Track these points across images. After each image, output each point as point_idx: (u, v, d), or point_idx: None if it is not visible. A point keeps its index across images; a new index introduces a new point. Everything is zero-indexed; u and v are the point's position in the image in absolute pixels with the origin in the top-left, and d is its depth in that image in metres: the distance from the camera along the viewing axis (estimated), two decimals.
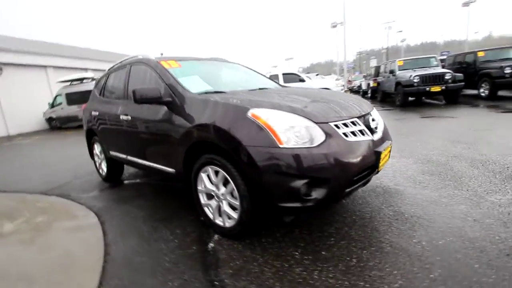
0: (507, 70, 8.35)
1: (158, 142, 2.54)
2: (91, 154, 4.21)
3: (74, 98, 13.13)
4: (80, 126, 13.18)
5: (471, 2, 22.46)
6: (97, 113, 3.59)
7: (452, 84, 8.70)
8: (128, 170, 4.37)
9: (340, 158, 1.68)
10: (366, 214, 2.31)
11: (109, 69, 3.85)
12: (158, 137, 2.52)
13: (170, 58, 2.91)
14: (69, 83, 13.58)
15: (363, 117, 2.04)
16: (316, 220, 2.28)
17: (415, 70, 9.82)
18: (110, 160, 3.68)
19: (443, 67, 10.74)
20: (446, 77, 8.77)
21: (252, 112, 1.79)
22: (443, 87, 8.69)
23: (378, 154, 1.91)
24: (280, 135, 1.67)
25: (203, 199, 2.26)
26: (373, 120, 2.11)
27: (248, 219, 1.90)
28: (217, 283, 1.65)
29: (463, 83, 8.79)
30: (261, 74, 3.53)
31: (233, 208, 2.03)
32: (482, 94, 9.14)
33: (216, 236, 2.17)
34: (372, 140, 1.95)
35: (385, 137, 2.15)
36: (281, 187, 1.68)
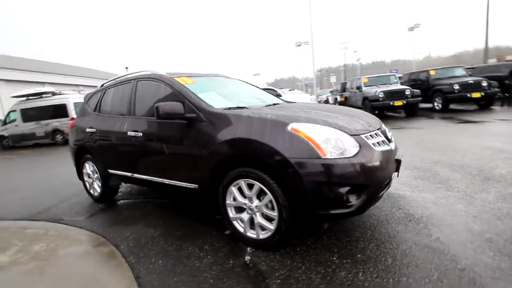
0: (456, 86, 9.64)
1: (178, 159, 2.51)
2: (80, 174, 3.92)
3: (31, 114, 12.04)
4: (37, 145, 12.04)
5: (416, 27, 25.74)
6: (93, 130, 3.40)
7: (411, 99, 9.75)
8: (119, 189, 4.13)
9: (375, 166, 1.86)
10: (381, 218, 2.51)
11: (103, 85, 3.70)
12: (178, 154, 2.49)
13: (181, 74, 2.93)
14: (25, 98, 12.40)
15: (380, 129, 2.27)
16: (338, 226, 2.42)
17: (379, 86, 10.83)
18: (106, 179, 3.48)
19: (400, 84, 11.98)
20: (406, 93, 9.81)
21: (292, 126, 1.91)
22: (404, 101, 9.69)
23: (398, 162, 2.14)
24: (322, 147, 1.80)
25: (231, 213, 2.27)
26: (388, 131, 2.35)
27: (287, 228, 1.97)
28: None
29: (420, 98, 9.90)
30: (263, 90, 3.68)
31: (268, 219, 2.09)
32: (436, 107, 10.36)
33: (248, 249, 2.18)
34: (391, 149, 2.18)
35: (397, 147, 2.41)
36: (324, 195, 1.80)
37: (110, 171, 3.33)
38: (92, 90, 3.95)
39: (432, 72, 11.13)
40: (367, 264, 1.87)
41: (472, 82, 9.56)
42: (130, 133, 2.89)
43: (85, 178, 3.82)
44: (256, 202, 2.11)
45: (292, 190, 1.87)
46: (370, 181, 1.84)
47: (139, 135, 2.80)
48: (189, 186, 2.49)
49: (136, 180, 3.05)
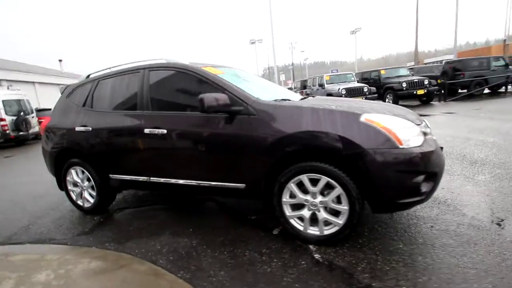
0: (404, 84, 10.88)
1: (220, 157, 2.26)
2: (61, 183, 3.26)
3: None
4: None
5: (357, 31, 28.33)
6: (87, 129, 2.85)
7: (369, 95, 10.69)
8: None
9: (439, 154, 1.96)
10: None
11: (89, 76, 3.15)
12: (220, 151, 2.25)
13: (205, 64, 2.65)
14: None
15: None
16: (380, 215, 2.49)
17: (340, 84, 11.59)
18: (105, 187, 2.97)
19: None
20: (365, 90, 10.72)
21: (365, 117, 1.88)
22: (363, 98, 10.57)
23: (441, 149, 2.29)
24: (400, 137, 1.82)
25: (287, 211, 2.15)
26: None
27: (358, 221, 1.95)
28: None
29: (376, 95, 10.92)
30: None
31: (333, 214, 2.03)
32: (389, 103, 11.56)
33: (311, 247, 2.09)
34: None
35: None
36: (403, 184, 1.82)
37: (113, 176, 2.85)
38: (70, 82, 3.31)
39: (382, 72, 12.37)
40: (435, 246, 1.96)
41: (416, 80, 10.92)
42: (148, 131, 2.50)
43: (70, 187, 3.20)
44: (320, 197, 2.03)
45: (370, 181, 1.84)
46: (439, 168, 1.93)
47: (162, 133, 2.44)
48: (233, 186, 2.28)
49: (153, 185, 2.66)
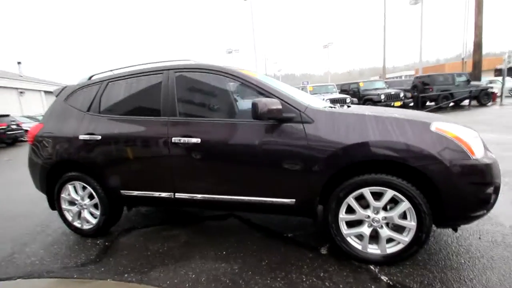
0: (382, 96, 11.44)
1: (269, 169, 2.02)
2: (53, 201, 2.75)
3: None
4: None
5: (330, 45, 29.74)
6: (96, 137, 2.43)
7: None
8: None
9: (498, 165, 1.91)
10: None
11: (92, 77, 2.75)
12: (270, 162, 2.01)
13: (237, 68, 2.41)
14: None
15: None
16: None
17: (323, 95, 11.85)
18: (113, 204, 2.55)
19: None
20: (347, 100, 11.06)
21: (436, 126, 1.78)
22: None
23: None
24: (472, 147, 1.74)
25: (344, 228, 1.97)
26: None
27: (427, 237, 1.82)
28: None
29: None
30: None
31: (393, 230, 1.89)
32: None
33: (372, 267, 1.91)
34: None
35: None
36: (477, 196, 1.73)
37: (126, 192, 2.45)
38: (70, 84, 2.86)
39: (361, 84, 12.95)
40: (494, 259, 1.89)
41: (393, 93, 11.55)
42: (176, 140, 2.18)
43: (65, 206, 2.71)
44: (382, 212, 1.88)
45: (443, 194, 1.72)
46: (499, 180, 1.87)
47: (194, 142, 2.14)
48: (281, 202, 2.04)
49: (177, 202, 2.32)
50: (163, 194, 2.34)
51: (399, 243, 1.88)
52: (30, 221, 3.18)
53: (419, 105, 12.19)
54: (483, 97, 12.64)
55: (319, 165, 1.88)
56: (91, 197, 2.63)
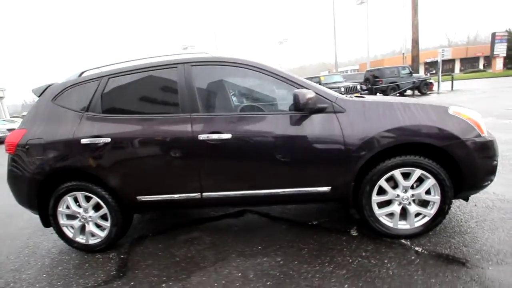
0: (342, 89, 12.24)
1: (305, 159, 2.05)
2: (47, 218, 2.39)
3: None
4: None
5: (284, 41, 30.70)
6: (105, 140, 2.17)
7: None
8: None
9: None
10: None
11: (100, 73, 2.40)
12: (306, 153, 2.04)
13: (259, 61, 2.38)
14: None
15: None
16: None
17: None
18: (124, 214, 2.33)
19: None
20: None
21: (453, 109, 2.00)
22: None
23: None
24: (482, 126, 2.00)
25: (376, 209, 2.11)
26: None
27: (449, 208, 2.05)
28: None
29: None
30: None
31: (420, 205, 2.09)
32: None
33: (403, 241, 2.09)
34: None
35: None
36: (488, 168, 2.00)
37: (143, 198, 2.25)
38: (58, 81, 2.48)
39: (322, 78, 13.67)
40: (495, 221, 2.23)
41: (352, 85, 12.46)
42: (204, 137, 2.08)
43: (64, 221, 2.39)
44: (410, 190, 2.07)
45: (462, 168, 1.96)
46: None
47: (225, 138, 2.06)
48: (316, 191, 2.10)
49: (204, 202, 2.22)
50: (189, 195, 2.21)
51: (425, 216, 2.09)
52: (10, 244, 2.71)
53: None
54: (423, 87, 14.40)
55: (354, 152, 1.98)
56: (96, 207, 2.35)
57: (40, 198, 2.35)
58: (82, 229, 2.40)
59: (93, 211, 2.36)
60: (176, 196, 2.23)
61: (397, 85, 14.18)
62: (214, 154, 2.11)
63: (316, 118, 2.03)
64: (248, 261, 2.06)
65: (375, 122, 1.98)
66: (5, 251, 2.60)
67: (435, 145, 1.94)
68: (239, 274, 1.93)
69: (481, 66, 44.01)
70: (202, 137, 2.08)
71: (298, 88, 2.07)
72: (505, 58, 28.40)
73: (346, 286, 1.71)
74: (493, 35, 27.63)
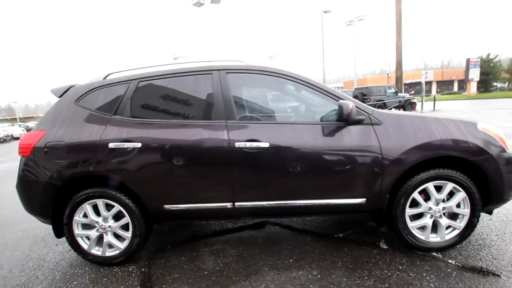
0: None
1: (342, 171, 2.05)
2: (61, 228, 2.21)
3: None
4: None
5: (274, 57, 31.42)
6: (135, 145, 2.06)
7: None
8: None
9: None
10: None
11: (129, 76, 2.30)
12: (343, 164, 2.05)
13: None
14: None
15: None
16: None
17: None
18: (147, 223, 2.21)
19: None
20: None
21: (481, 126, 2.10)
22: None
23: None
24: (506, 142, 2.11)
25: (409, 221, 2.13)
26: None
27: (478, 219, 2.11)
28: None
29: None
30: None
31: (450, 218, 2.14)
32: None
33: (435, 254, 2.11)
34: None
35: None
36: (511, 182, 2.10)
37: (170, 207, 2.14)
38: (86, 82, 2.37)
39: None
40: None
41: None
42: (241, 144, 2.04)
43: (79, 231, 2.22)
44: (442, 204, 2.11)
45: (489, 182, 2.03)
46: None
47: (263, 146, 2.03)
48: (352, 202, 2.09)
49: (234, 212, 2.15)
50: (220, 205, 2.13)
51: (455, 229, 2.13)
52: (10, 256, 2.48)
53: None
54: (408, 106, 15.12)
55: (391, 164, 2.01)
56: (116, 217, 2.22)
57: (55, 205, 2.19)
58: (99, 240, 2.24)
59: (112, 221, 2.22)
60: (206, 205, 2.15)
61: (384, 103, 14.79)
62: (250, 163, 2.07)
63: (354, 129, 2.06)
64: (283, 275, 1.99)
65: (411, 135, 2.03)
66: (6, 264, 2.37)
67: (467, 159, 2.01)
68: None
69: (455, 89, 47.14)
70: (239, 144, 2.04)
71: (334, 99, 2.10)
72: (478, 82, 30.66)
73: None
74: (468, 60, 29.92)
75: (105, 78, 2.38)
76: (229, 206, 2.13)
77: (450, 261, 2.03)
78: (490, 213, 2.30)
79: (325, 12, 22.80)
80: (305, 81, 2.18)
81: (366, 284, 1.83)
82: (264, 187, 2.12)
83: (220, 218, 2.44)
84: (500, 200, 2.13)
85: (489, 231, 2.44)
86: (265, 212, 2.18)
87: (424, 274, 1.90)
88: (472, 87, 30.41)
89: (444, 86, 48.59)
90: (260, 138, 2.05)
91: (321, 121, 2.15)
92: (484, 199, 2.11)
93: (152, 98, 2.25)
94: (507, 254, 2.06)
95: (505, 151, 2.07)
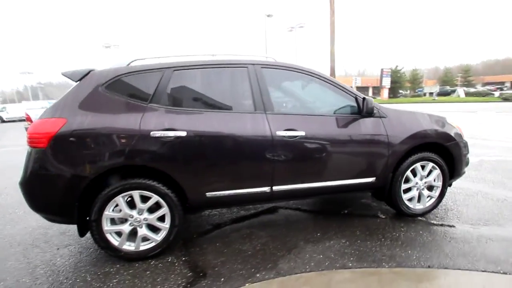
0: None
1: (363, 155, 2.48)
2: (85, 225, 2.02)
3: None
4: None
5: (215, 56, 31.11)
6: (181, 134, 2.05)
7: None
8: None
9: None
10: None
11: (163, 64, 2.24)
12: (363, 150, 2.48)
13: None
14: None
15: None
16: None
17: None
18: (183, 212, 2.23)
19: None
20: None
21: (448, 120, 2.80)
22: None
23: None
24: (463, 132, 2.88)
25: (403, 195, 2.70)
26: None
27: (446, 190, 2.82)
28: None
29: None
30: None
31: (428, 190, 2.81)
32: None
33: (419, 218, 2.73)
34: None
35: None
36: (465, 161, 2.87)
37: (212, 194, 2.21)
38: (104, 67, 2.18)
39: None
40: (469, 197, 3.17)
41: None
42: (282, 133, 2.25)
43: (109, 227, 2.08)
44: (424, 179, 2.75)
45: (454, 161, 2.76)
46: None
47: (300, 135, 2.29)
48: (365, 181, 2.54)
49: (271, 195, 2.35)
50: (258, 190, 2.30)
51: (431, 198, 2.80)
52: (9, 265, 2.10)
53: None
54: None
55: (395, 149, 2.53)
56: (150, 210, 2.15)
57: (82, 200, 2.00)
58: (132, 234, 2.14)
59: (147, 213, 2.14)
60: (246, 191, 2.28)
61: None
62: (288, 150, 2.30)
63: (368, 120, 2.50)
64: (320, 246, 2.30)
65: (408, 126, 2.60)
66: (9, 277, 2.01)
67: (443, 144, 2.69)
68: (320, 256, 2.15)
69: (370, 94, 55.40)
70: (279, 133, 2.25)
71: (351, 95, 2.51)
72: (389, 89, 36.77)
73: (408, 249, 2.18)
74: (382, 70, 35.69)
75: (129, 64, 2.25)
76: (267, 190, 2.32)
77: (433, 221, 2.67)
78: (450, 185, 3.07)
79: (268, 16, 23.92)
80: (327, 79, 2.52)
81: (386, 243, 2.29)
82: (299, 172, 2.38)
83: (256, 202, 2.59)
84: (458, 174, 2.90)
85: (453, 200, 3.24)
86: (298, 194, 2.45)
87: (420, 231, 2.47)
88: (385, 93, 36.43)
89: (361, 91, 55.96)
90: (297, 128, 2.31)
91: (335, 113, 2.52)
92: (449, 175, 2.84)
93: (189, 87, 2.25)
94: (464, 215, 2.83)
95: (462, 138, 2.84)
